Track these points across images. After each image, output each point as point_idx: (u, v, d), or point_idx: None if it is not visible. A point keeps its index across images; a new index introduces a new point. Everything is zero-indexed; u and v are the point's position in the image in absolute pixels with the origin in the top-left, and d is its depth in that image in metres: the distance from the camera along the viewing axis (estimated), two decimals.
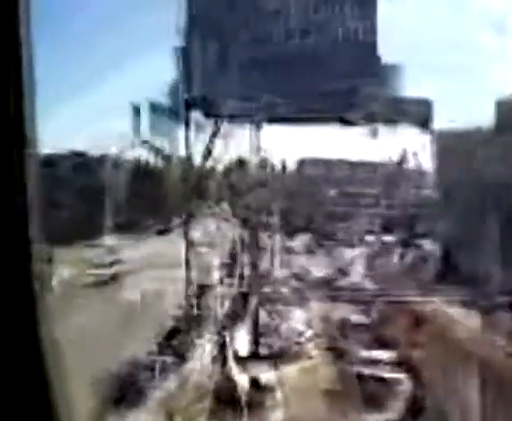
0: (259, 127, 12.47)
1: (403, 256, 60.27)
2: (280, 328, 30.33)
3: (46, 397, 1.69)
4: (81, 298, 37.54)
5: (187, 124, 13.24)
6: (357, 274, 50.67)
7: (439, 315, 25.10)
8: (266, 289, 40.09)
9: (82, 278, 48.73)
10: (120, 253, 62.81)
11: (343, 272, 50.96)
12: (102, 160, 78.27)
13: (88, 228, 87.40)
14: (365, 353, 25.32)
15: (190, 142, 14.31)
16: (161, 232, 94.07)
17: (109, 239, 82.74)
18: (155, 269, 55.10)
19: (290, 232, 78.34)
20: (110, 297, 39.54)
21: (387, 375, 23.75)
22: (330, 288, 44.12)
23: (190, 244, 40.05)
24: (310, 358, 28.55)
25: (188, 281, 38.22)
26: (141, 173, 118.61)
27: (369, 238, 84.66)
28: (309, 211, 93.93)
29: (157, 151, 49.05)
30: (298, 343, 29.13)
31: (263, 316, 33.09)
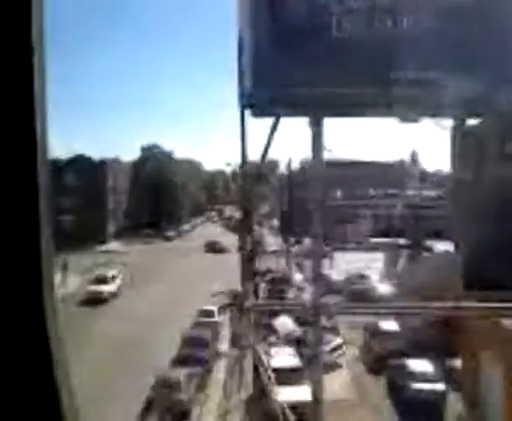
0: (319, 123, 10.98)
1: (414, 258, 58.17)
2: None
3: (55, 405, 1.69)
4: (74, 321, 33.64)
5: (242, 121, 11.60)
6: (376, 278, 48.86)
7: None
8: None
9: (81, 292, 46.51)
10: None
11: (361, 276, 49.19)
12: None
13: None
14: (410, 364, 23.46)
15: (246, 141, 12.66)
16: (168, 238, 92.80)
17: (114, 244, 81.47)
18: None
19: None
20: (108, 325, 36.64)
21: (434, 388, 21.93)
22: (353, 294, 42.47)
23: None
24: (340, 367, 26.79)
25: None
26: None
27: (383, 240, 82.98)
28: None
29: None
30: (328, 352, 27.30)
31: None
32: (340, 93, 11.82)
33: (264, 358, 22.58)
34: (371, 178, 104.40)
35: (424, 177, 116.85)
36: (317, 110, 11.80)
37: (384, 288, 44.17)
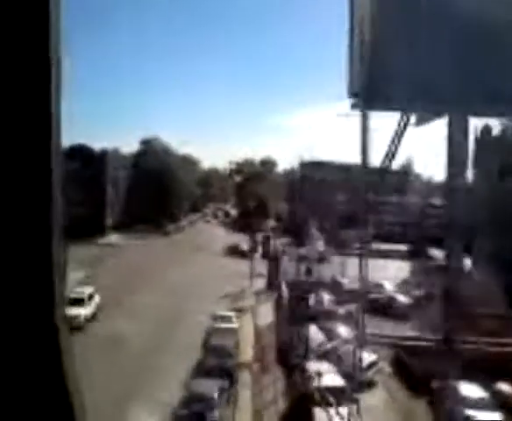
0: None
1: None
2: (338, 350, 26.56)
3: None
4: None
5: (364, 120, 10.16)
6: (391, 288, 47.02)
7: None
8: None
9: None
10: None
11: (377, 285, 47.32)
12: None
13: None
14: (460, 388, 21.59)
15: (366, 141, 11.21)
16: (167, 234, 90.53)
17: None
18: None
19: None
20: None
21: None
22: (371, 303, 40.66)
23: None
24: (375, 385, 24.88)
25: None
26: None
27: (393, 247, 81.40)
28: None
29: None
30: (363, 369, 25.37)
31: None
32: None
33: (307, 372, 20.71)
34: (374, 183, 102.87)
35: (428, 185, 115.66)
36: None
37: (402, 299, 42.47)
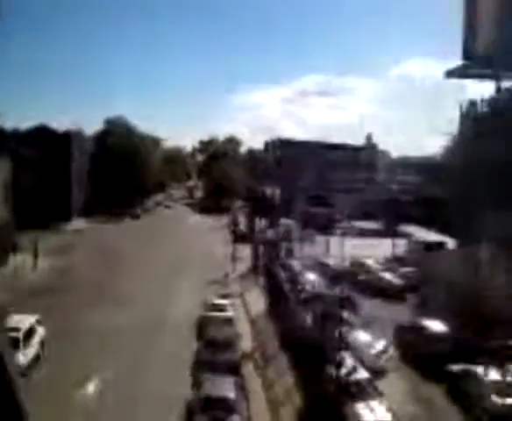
0: None
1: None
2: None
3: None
4: None
5: None
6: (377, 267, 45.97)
7: None
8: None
9: None
10: None
11: (361, 264, 46.29)
12: None
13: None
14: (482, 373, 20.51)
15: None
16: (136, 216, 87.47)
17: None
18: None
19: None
20: None
21: None
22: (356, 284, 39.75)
23: None
24: (387, 372, 23.64)
25: None
26: None
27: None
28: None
29: None
30: (375, 356, 24.09)
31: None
32: None
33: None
34: (344, 162, 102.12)
35: (396, 162, 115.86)
36: None
37: (392, 278, 41.50)
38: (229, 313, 29.98)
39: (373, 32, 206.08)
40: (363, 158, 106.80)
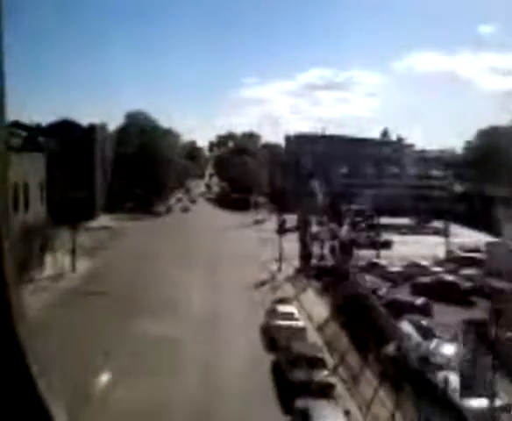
0: None
1: None
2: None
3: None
4: None
5: None
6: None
7: None
8: None
9: None
10: None
11: (419, 266, 43.58)
12: None
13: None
14: None
15: None
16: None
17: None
18: None
19: None
20: None
21: None
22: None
23: None
24: None
25: None
26: None
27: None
28: None
29: None
30: None
31: None
32: None
33: None
34: (371, 156, 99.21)
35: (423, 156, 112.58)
36: None
37: (452, 280, 38.65)
38: (300, 322, 27.31)
39: (378, 25, 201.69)
40: (388, 152, 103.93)
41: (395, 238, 63.57)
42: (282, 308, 28.94)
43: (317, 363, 21.47)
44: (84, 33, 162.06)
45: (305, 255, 44.53)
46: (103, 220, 70.97)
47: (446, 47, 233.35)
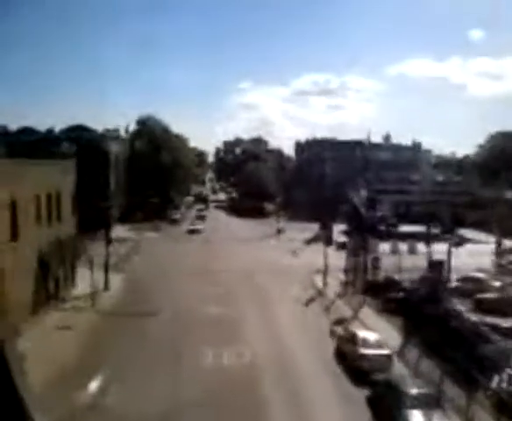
0: None
1: None
2: None
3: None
4: None
5: None
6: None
7: None
8: None
9: None
10: None
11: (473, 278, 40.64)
12: None
13: None
14: None
15: None
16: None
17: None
18: None
19: None
20: None
21: None
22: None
23: None
24: None
25: None
26: None
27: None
28: None
29: None
30: None
31: None
32: None
33: None
34: (388, 161, 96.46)
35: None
36: None
37: None
38: (385, 350, 24.30)
39: (373, 31, 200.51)
40: (406, 157, 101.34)
41: (420, 247, 60.66)
42: (362, 333, 25.87)
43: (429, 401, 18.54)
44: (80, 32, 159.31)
45: (352, 268, 41.56)
46: (119, 231, 67.60)
47: (438, 53, 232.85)
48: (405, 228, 79.61)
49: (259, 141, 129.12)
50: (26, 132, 70.13)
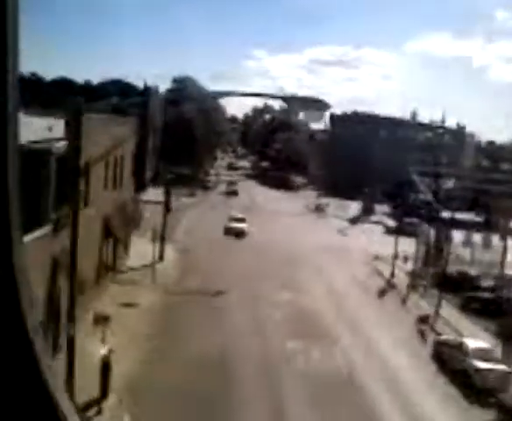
0: None
1: None
2: None
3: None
4: None
5: None
6: None
7: None
8: None
9: None
10: None
11: None
12: None
13: None
14: None
15: None
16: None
17: None
18: None
19: None
20: None
21: None
22: None
23: None
24: None
25: None
26: None
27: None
28: None
29: None
30: None
31: None
32: None
33: None
34: (427, 143, 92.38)
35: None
36: None
37: None
38: (503, 365, 21.44)
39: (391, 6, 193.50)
40: (448, 140, 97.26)
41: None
42: (472, 342, 22.94)
43: None
44: None
45: (422, 258, 38.56)
46: (154, 193, 64.67)
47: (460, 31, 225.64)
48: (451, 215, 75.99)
49: (288, 111, 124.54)
50: (62, 83, 66.90)
